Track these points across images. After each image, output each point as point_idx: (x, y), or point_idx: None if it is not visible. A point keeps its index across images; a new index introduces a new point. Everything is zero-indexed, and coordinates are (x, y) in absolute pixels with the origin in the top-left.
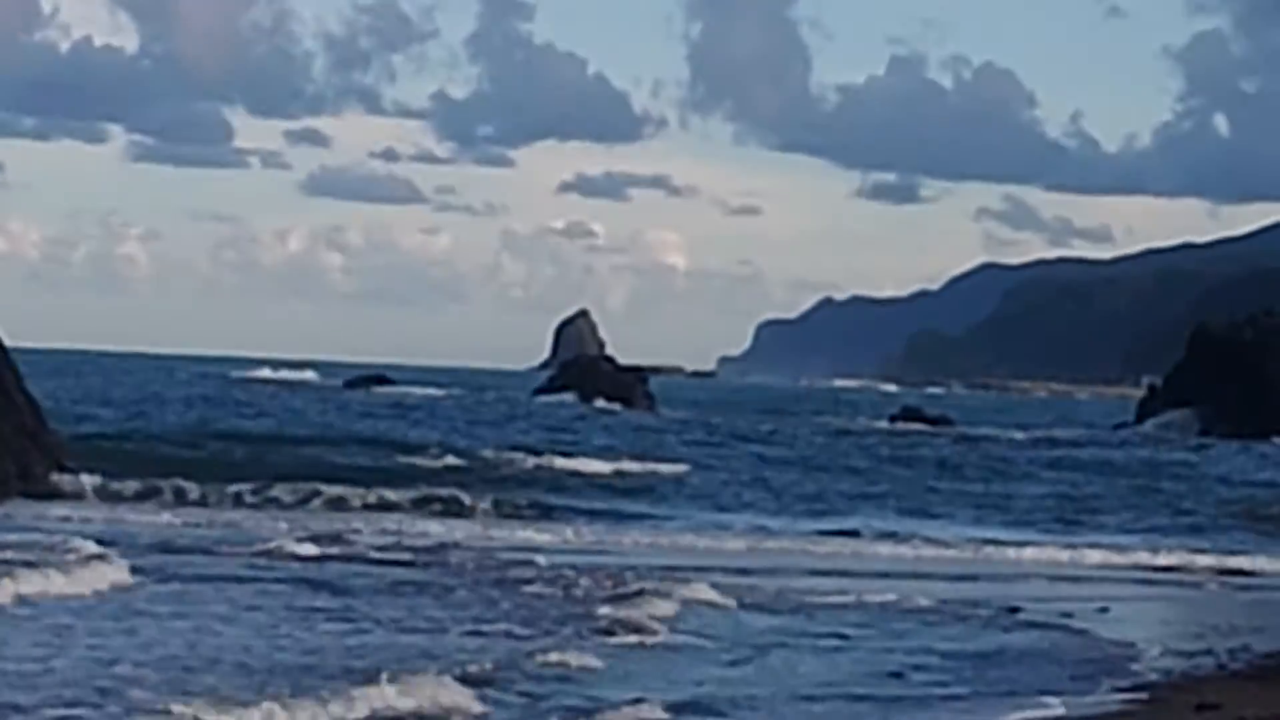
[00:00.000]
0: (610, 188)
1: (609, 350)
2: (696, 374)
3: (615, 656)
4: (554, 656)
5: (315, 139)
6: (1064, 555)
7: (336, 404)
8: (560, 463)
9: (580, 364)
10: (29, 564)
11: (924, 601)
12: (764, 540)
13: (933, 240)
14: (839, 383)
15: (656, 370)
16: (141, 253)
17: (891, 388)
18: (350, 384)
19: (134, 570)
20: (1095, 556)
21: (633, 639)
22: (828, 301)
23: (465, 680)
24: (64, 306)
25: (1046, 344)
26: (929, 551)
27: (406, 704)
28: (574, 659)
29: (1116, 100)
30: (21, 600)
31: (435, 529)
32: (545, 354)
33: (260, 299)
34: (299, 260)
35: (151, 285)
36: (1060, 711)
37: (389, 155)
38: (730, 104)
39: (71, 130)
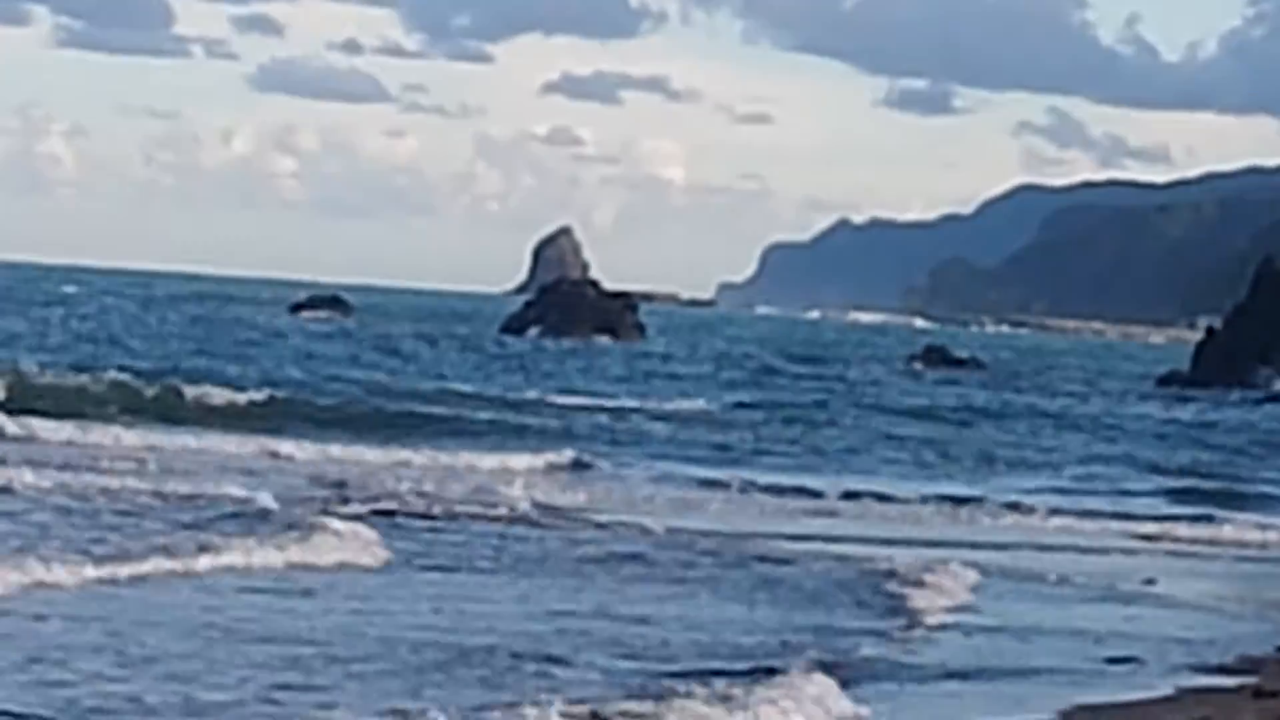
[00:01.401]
0: (601, 89)
1: (594, 273)
2: (693, 302)
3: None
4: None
5: (266, 26)
6: (1110, 525)
7: (304, 334)
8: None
9: (560, 289)
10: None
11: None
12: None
13: (965, 157)
14: (855, 316)
15: (648, 297)
16: (66, 151)
17: (920, 322)
18: (298, 306)
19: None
20: (1147, 526)
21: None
22: (844, 223)
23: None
24: None
25: (1091, 278)
26: (996, 518)
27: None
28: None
29: (1178, 3)
30: (298, 568)
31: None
32: (522, 275)
33: (200, 207)
34: (245, 164)
35: (76, 188)
36: (1107, 698)
37: (350, 47)
38: None
39: None
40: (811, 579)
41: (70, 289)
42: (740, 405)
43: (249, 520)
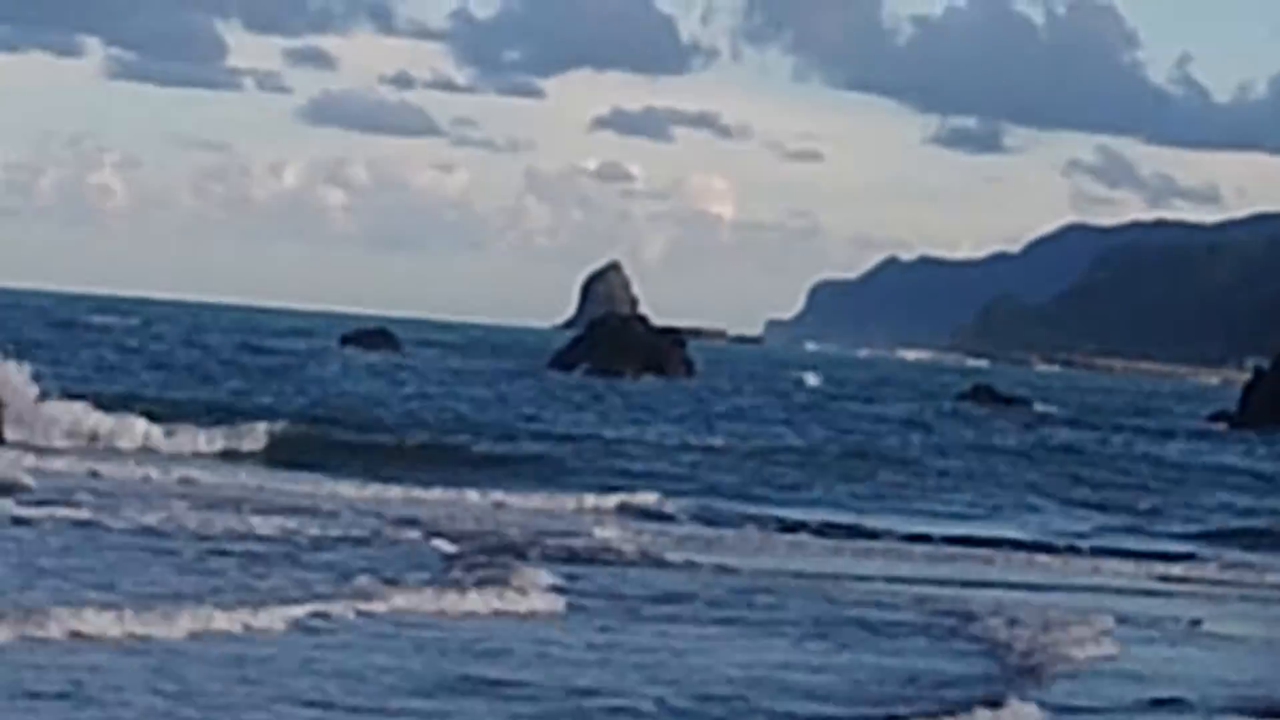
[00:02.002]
0: (651, 125)
1: (642, 308)
2: (741, 339)
3: None
4: None
5: (318, 60)
6: (1154, 566)
7: (365, 369)
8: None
9: (609, 324)
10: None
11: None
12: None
13: (1015, 196)
14: (903, 353)
15: (696, 333)
16: (117, 182)
17: (973, 361)
18: (348, 339)
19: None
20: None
21: None
22: (893, 261)
23: None
24: (27, 241)
25: (1140, 318)
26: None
27: None
28: None
29: (1230, 43)
30: (504, 615)
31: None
32: (571, 310)
33: (250, 239)
34: (295, 197)
35: (127, 220)
36: None
37: (401, 81)
38: (790, 34)
39: (43, 41)
40: (912, 620)
41: (115, 319)
42: (790, 449)
43: (431, 564)
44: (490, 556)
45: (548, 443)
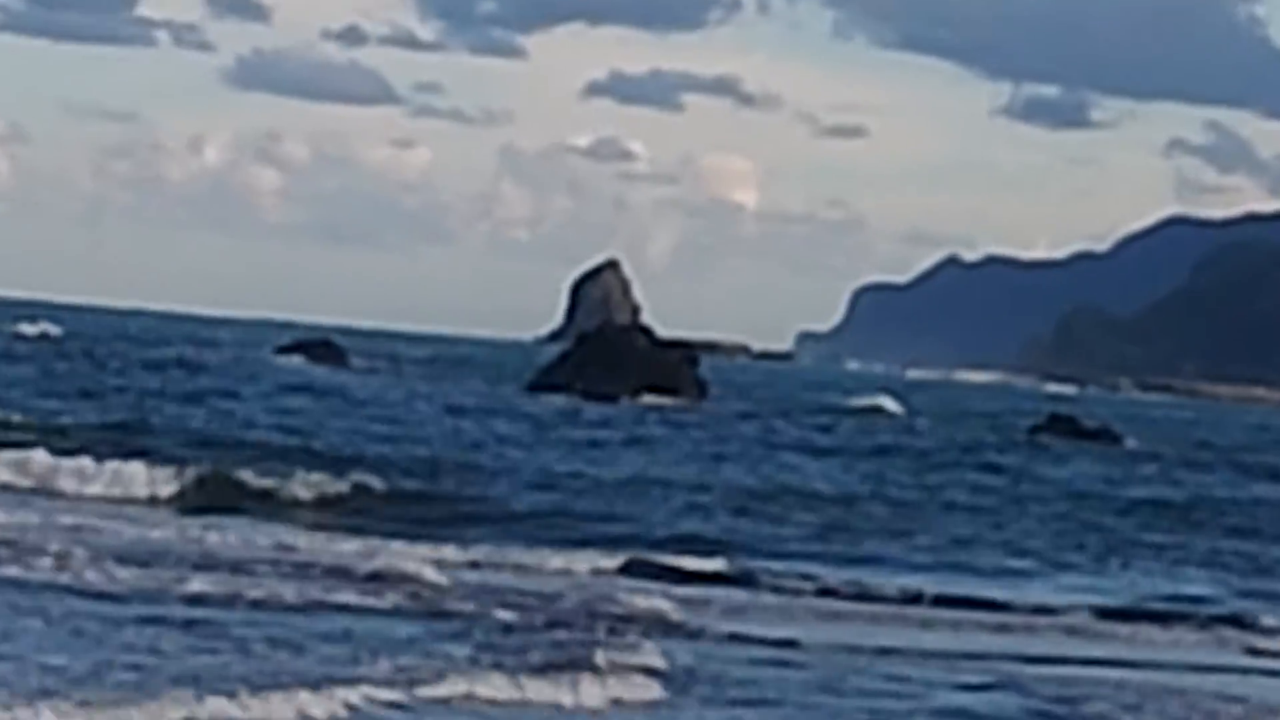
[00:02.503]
0: (657, 92)
1: (645, 317)
2: (766, 355)
3: None
4: None
5: (248, 11)
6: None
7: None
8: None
9: (604, 336)
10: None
11: None
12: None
13: (1104, 182)
14: (965, 374)
15: (711, 348)
16: (0, 159)
17: (1063, 387)
18: (284, 351)
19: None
20: None
21: None
22: (953, 261)
23: None
24: None
25: (1255, 333)
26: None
27: None
28: None
29: None
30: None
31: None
32: (558, 319)
33: (164, 230)
34: (219, 178)
35: (11, 206)
36: None
37: (350, 37)
38: None
39: None
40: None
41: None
42: (848, 496)
43: (490, 638)
44: (549, 629)
45: (532, 487)
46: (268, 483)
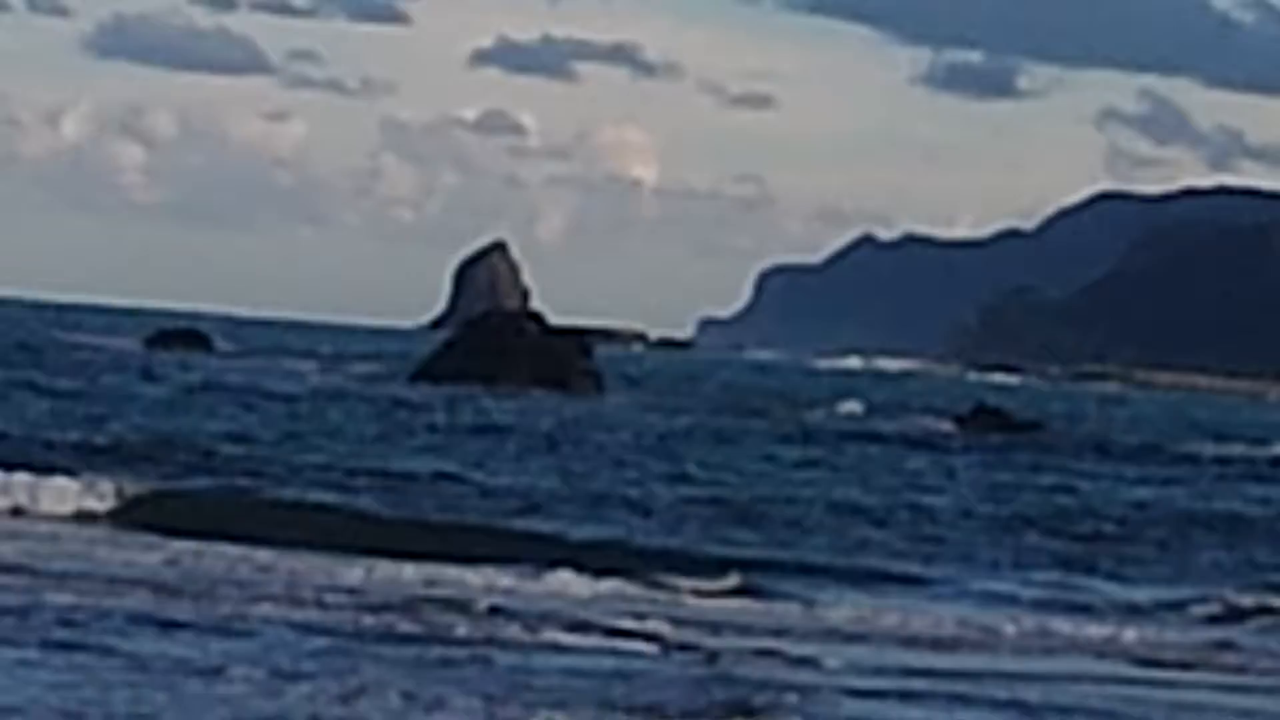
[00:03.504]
0: (549, 61)
1: (535, 303)
2: (666, 343)
3: None
4: None
5: None
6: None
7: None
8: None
9: (490, 323)
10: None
11: None
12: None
13: (1031, 155)
14: (882, 362)
15: (607, 335)
16: None
17: (996, 376)
18: (153, 341)
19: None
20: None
21: None
22: (868, 240)
23: None
24: None
25: (1195, 317)
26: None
27: None
28: None
29: None
30: None
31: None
32: (441, 305)
33: (16, 210)
34: (78, 154)
35: None
36: None
37: (220, 1)
38: None
39: None
40: None
41: None
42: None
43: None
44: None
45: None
46: None
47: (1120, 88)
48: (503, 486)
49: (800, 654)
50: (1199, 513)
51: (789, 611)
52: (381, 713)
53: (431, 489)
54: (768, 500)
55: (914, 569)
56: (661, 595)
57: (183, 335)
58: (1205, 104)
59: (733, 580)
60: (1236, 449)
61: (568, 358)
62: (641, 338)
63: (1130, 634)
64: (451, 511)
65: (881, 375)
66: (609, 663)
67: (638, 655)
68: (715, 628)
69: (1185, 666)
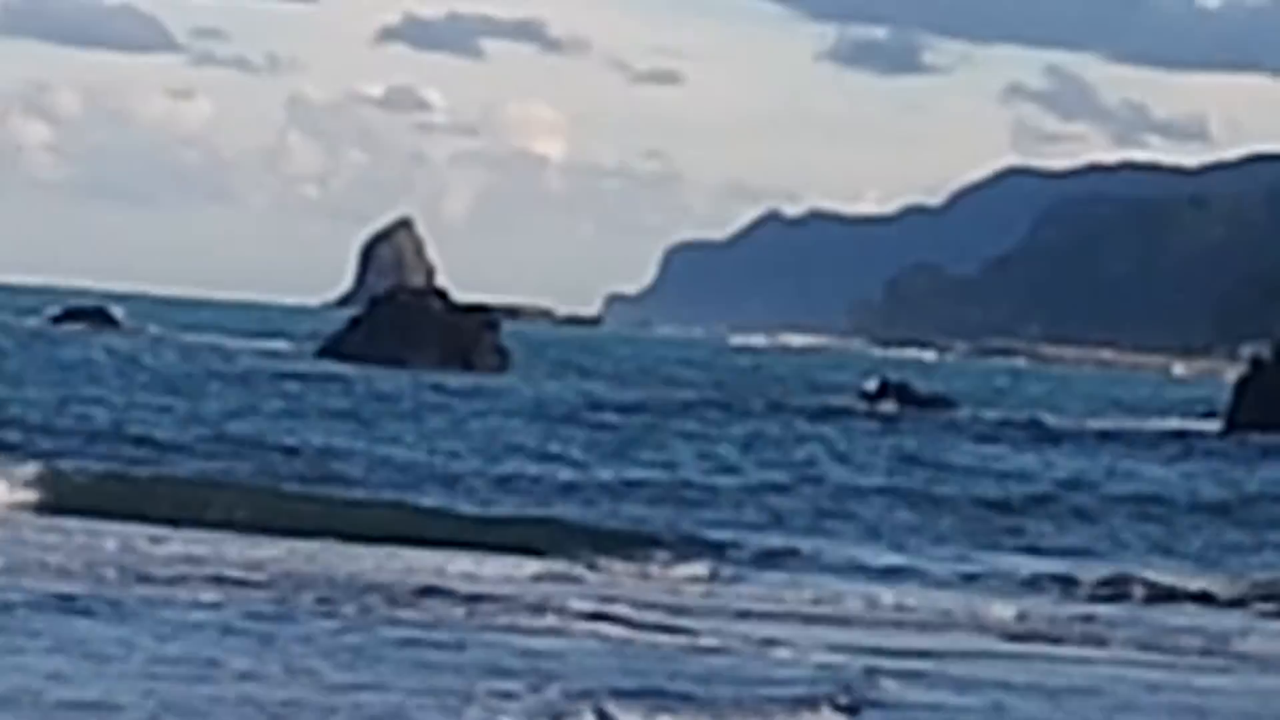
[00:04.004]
0: (455, 37)
1: (441, 279)
2: (573, 320)
3: None
4: None
5: None
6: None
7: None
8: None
9: (397, 300)
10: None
11: None
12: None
13: (937, 131)
14: (788, 338)
15: (513, 312)
16: None
17: (907, 351)
18: (59, 319)
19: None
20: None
21: None
22: (774, 217)
23: None
24: None
25: (1100, 292)
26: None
27: None
28: None
29: None
30: None
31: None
32: (348, 282)
33: None
34: None
35: None
36: None
37: None
38: None
39: None
40: None
41: None
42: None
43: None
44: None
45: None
46: None
47: (1026, 63)
48: (410, 461)
49: (704, 629)
50: (1101, 487)
51: (692, 589)
52: (317, 692)
53: (329, 465)
54: (684, 481)
55: (815, 545)
56: (589, 574)
57: (89, 313)
58: (1110, 79)
59: (646, 557)
60: (1130, 423)
61: (474, 335)
62: (549, 314)
63: (1009, 609)
64: (358, 487)
65: (788, 351)
66: (538, 643)
67: (562, 633)
68: (638, 606)
69: (1054, 640)
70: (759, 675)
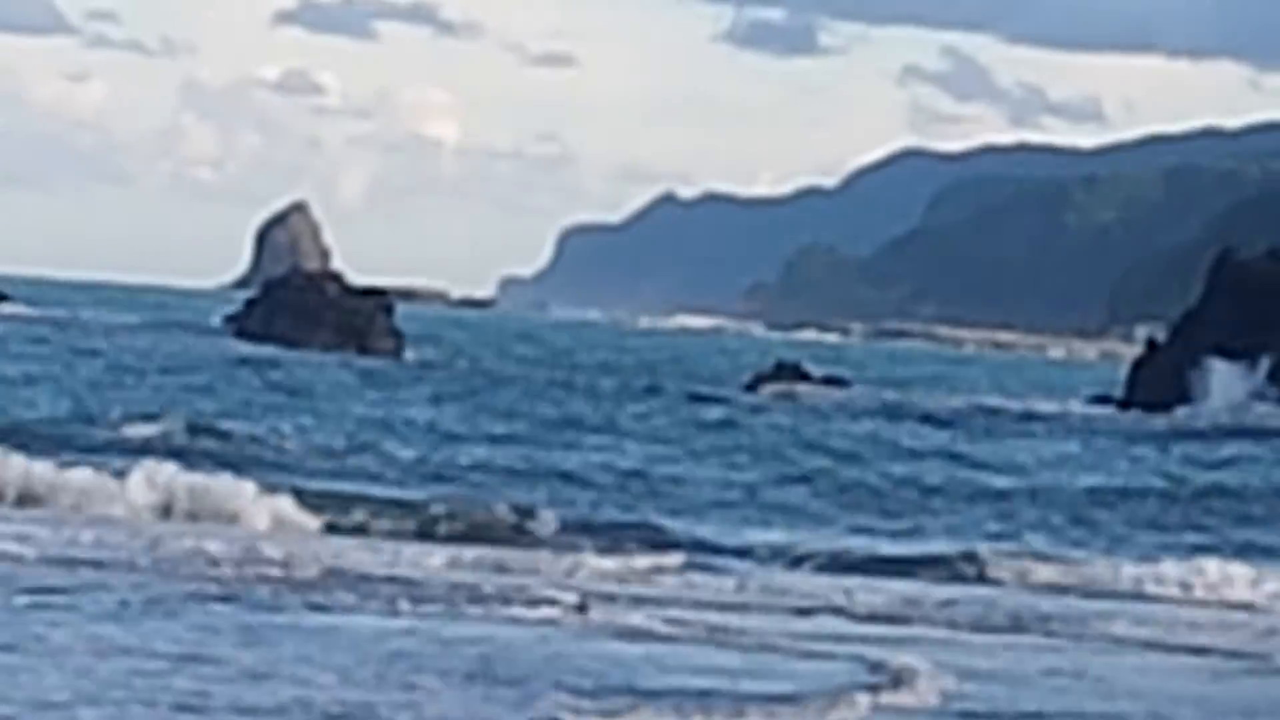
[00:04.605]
0: (349, 20)
1: (336, 263)
2: (468, 302)
3: None
4: None
5: None
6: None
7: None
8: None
9: (292, 283)
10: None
11: None
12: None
13: (833, 112)
14: (683, 320)
15: (408, 295)
16: None
17: (771, 332)
18: None
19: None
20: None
21: None
22: (669, 199)
23: None
24: None
25: (996, 274)
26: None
27: None
28: None
29: None
30: None
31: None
32: (243, 266)
33: None
34: None
35: None
36: None
37: None
38: None
39: None
40: None
41: None
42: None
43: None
44: None
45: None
46: None
47: (922, 44)
48: (311, 447)
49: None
50: (982, 467)
51: (557, 568)
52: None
53: (235, 448)
54: (565, 466)
55: (674, 526)
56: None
57: None
58: (1007, 60)
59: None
60: (1016, 405)
61: (368, 317)
62: (443, 297)
63: (839, 592)
64: (263, 471)
65: (682, 333)
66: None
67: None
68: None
69: (894, 621)
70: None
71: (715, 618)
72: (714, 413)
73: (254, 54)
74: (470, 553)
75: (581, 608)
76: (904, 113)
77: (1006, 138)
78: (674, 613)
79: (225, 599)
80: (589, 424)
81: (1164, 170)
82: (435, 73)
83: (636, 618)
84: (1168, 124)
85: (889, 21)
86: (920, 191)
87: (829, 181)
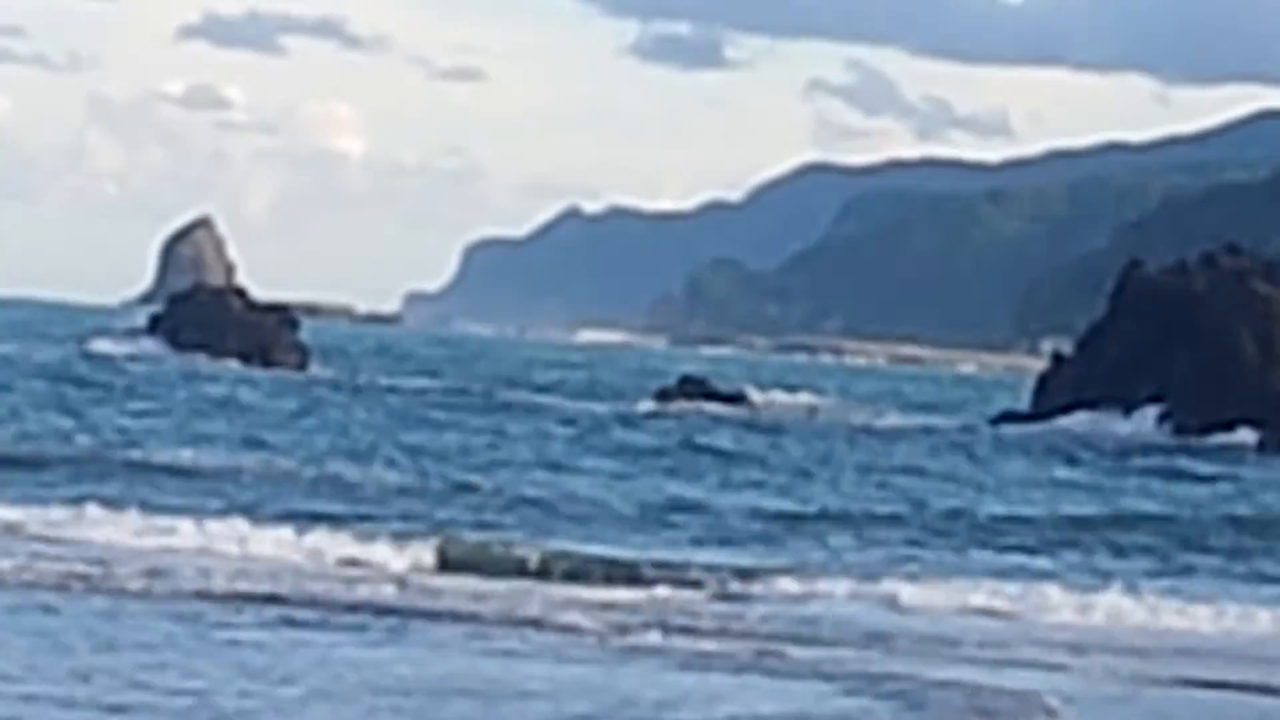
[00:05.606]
0: (255, 35)
1: (241, 278)
2: (374, 317)
3: None
4: None
5: None
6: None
7: None
8: None
9: (197, 298)
10: None
11: None
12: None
13: (738, 126)
14: (587, 335)
15: (313, 310)
16: None
17: (714, 349)
18: None
19: None
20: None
21: None
22: (574, 213)
23: None
24: None
25: (902, 288)
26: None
27: None
28: None
29: None
30: None
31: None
32: (148, 281)
33: None
34: None
35: None
36: None
37: None
38: None
39: None
40: None
41: None
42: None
43: None
44: None
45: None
46: None
47: (827, 58)
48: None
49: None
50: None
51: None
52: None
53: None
54: (461, 484)
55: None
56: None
57: None
58: (913, 74)
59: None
60: (918, 419)
61: (273, 332)
62: (348, 312)
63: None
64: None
65: (586, 348)
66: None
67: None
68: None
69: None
70: None
71: None
72: (615, 430)
73: (159, 69)
74: None
75: None
76: (810, 126)
77: (913, 152)
78: None
79: None
80: (481, 442)
81: (1070, 184)
82: (342, 87)
83: None
84: (1074, 138)
85: (795, 35)
86: (826, 206)
87: (734, 195)
